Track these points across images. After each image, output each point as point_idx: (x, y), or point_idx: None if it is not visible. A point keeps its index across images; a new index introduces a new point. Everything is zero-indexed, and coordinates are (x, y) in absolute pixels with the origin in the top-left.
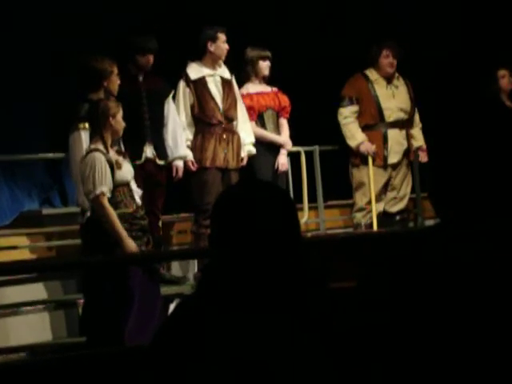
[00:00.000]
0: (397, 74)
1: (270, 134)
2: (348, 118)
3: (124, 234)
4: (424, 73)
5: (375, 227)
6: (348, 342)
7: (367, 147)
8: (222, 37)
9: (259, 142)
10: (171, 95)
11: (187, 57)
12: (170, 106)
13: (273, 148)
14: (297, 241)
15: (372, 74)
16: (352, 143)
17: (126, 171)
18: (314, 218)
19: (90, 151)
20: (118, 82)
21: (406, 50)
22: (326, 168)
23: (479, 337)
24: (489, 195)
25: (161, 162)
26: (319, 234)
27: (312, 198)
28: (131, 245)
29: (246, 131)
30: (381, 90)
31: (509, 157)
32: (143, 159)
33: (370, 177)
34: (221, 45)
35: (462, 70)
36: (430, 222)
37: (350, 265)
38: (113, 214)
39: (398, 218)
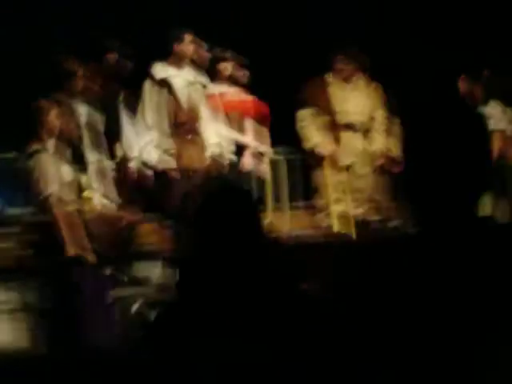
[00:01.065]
0: (359, 77)
1: (233, 135)
2: (304, 120)
3: (68, 236)
4: (392, 77)
5: (335, 228)
6: (319, 342)
7: (322, 149)
8: (187, 38)
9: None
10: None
11: (152, 57)
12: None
13: (238, 148)
14: (259, 241)
15: (330, 77)
16: (307, 145)
17: (67, 170)
18: (278, 220)
19: (33, 152)
20: (82, 84)
21: (375, 53)
22: (290, 170)
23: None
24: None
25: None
26: (283, 236)
27: (277, 200)
28: (72, 249)
29: (210, 131)
30: (336, 92)
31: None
32: (119, 159)
33: (326, 178)
34: (186, 46)
35: (431, 75)
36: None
37: (314, 266)
38: (62, 214)
39: (373, 225)
